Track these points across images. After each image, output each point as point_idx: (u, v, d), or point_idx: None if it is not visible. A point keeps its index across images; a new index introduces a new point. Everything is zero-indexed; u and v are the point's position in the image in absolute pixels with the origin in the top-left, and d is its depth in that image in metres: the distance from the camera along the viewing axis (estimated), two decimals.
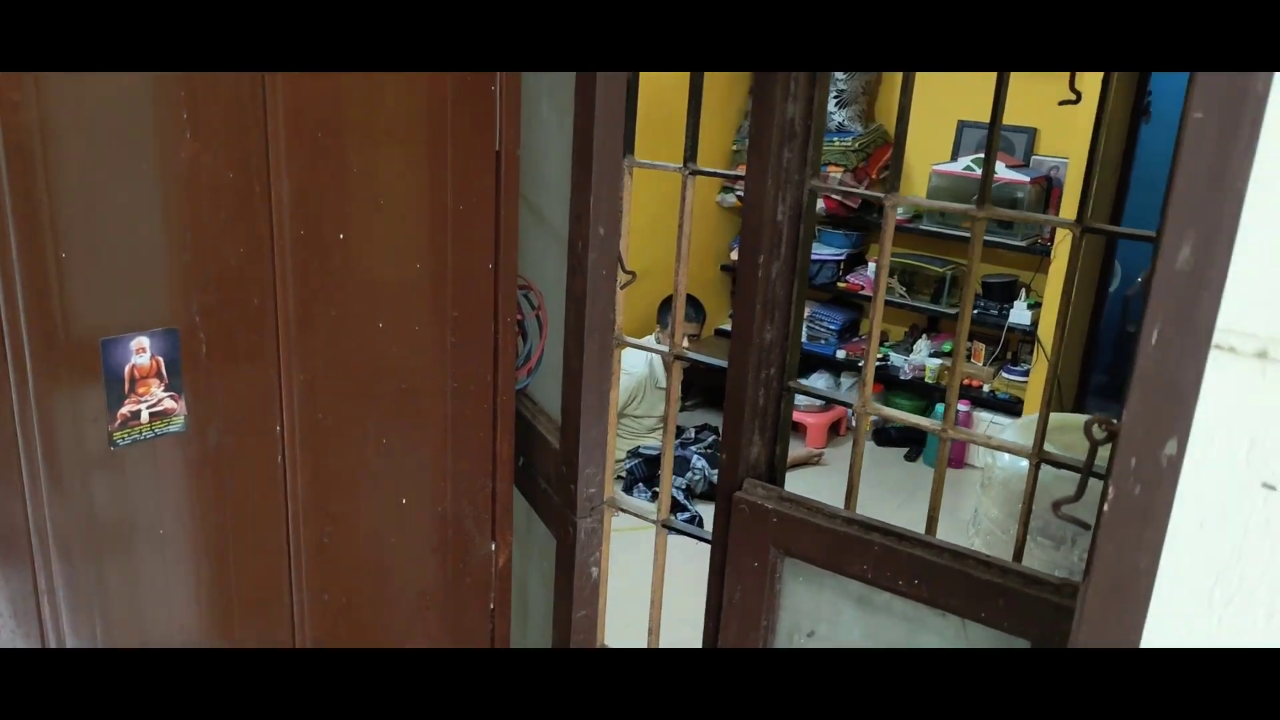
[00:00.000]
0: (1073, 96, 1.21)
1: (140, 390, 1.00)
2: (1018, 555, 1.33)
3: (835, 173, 4.71)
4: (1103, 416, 1.03)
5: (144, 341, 0.99)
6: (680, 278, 1.53)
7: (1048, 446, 1.36)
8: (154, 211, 0.98)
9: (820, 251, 4.80)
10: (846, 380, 4.91)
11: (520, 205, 1.34)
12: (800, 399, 4.67)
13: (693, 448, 4.29)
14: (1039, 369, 4.33)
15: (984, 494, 1.83)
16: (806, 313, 4.94)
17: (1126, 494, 0.68)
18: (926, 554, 1.32)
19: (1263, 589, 0.87)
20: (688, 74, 1.42)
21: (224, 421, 1.08)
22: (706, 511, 3.85)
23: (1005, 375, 4.49)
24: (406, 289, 1.24)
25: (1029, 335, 4.36)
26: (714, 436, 4.45)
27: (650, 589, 1.71)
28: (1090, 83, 1.24)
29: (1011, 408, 4.44)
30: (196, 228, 1.01)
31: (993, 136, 1.34)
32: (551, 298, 1.45)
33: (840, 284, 4.81)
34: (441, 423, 1.32)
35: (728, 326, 5.13)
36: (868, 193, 1.51)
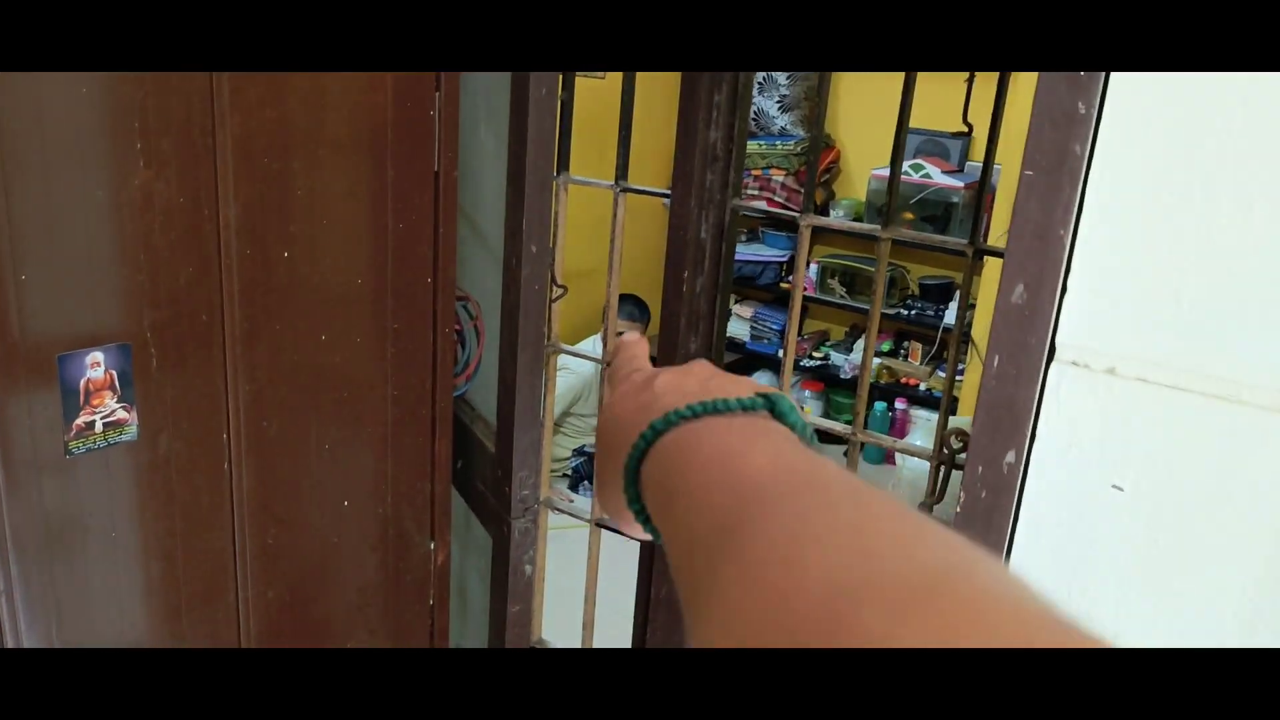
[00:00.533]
0: (964, 129, 1.32)
1: (95, 402, 1.07)
2: None
3: (778, 175, 4.84)
4: (959, 428, 1.14)
5: (98, 356, 1.06)
6: (612, 289, 1.62)
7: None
8: (109, 234, 1.05)
9: (763, 253, 4.92)
10: (791, 379, 5.03)
11: (460, 223, 1.42)
12: None
13: None
14: (974, 368, 4.49)
15: (894, 492, 1.94)
16: (749, 313, 5.06)
17: (974, 499, 0.78)
18: None
19: (1112, 581, 0.99)
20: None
21: (174, 430, 1.15)
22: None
23: (941, 374, 4.64)
24: (349, 303, 1.31)
25: (965, 336, 4.51)
26: None
27: (585, 585, 1.80)
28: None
29: (950, 406, 4.58)
30: (149, 249, 1.08)
31: (898, 142, 1.44)
32: (489, 309, 1.53)
33: (783, 284, 4.94)
34: (382, 429, 1.40)
35: None
36: (782, 211, 1.61)
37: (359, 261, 1.31)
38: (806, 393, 4.89)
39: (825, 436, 4.91)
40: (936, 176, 4.44)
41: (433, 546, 1.53)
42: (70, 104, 0.99)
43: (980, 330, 4.45)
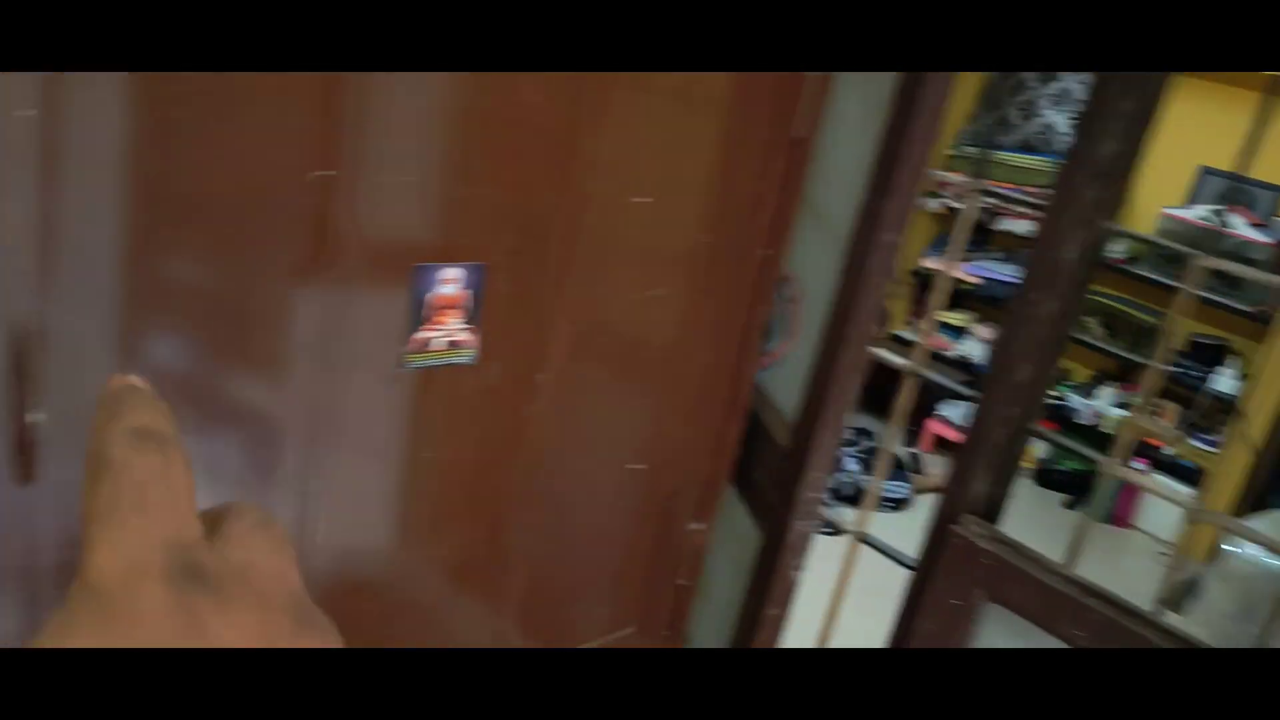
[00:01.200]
0: None
1: (438, 319, 1.03)
2: None
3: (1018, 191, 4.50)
4: None
5: (453, 273, 1.02)
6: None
7: None
8: (478, 152, 1.00)
9: (1015, 274, 4.61)
10: None
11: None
12: (955, 416, 4.52)
13: (847, 450, 4.22)
14: (1233, 443, 4.05)
15: (1220, 583, 1.72)
16: (990, 335, 4.77)
17: None
18: (1154, 635, 1.25)
19: None
20: None
21: (505, 360, 1.11)
22: (846, 517, 3.79)
23: (1193, 442, 4.23)
24: (681, 262, 1.23)
25: (1228, 404, 4.08)
26: (869, 442, 4.37)
27: (830, 596, 1.69)
28: None
29: (1192, 476, 4.18)
30: (515, 171, 1.03)
31: None
32: (813, 295, 1.43)
33: None
34: (684, 397, 1.32)
35: (903, 332, 5.00)
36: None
37: (701, 221, 1.22)
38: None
39: (1066, 479, 4.56)
40: (1240, 228, 4.00)
41: (697, 526, 1.45)
42: None
43: (1254, 405, 4.01)
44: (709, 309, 1.30)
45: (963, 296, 4.87)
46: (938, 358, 4.77)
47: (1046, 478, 4.47)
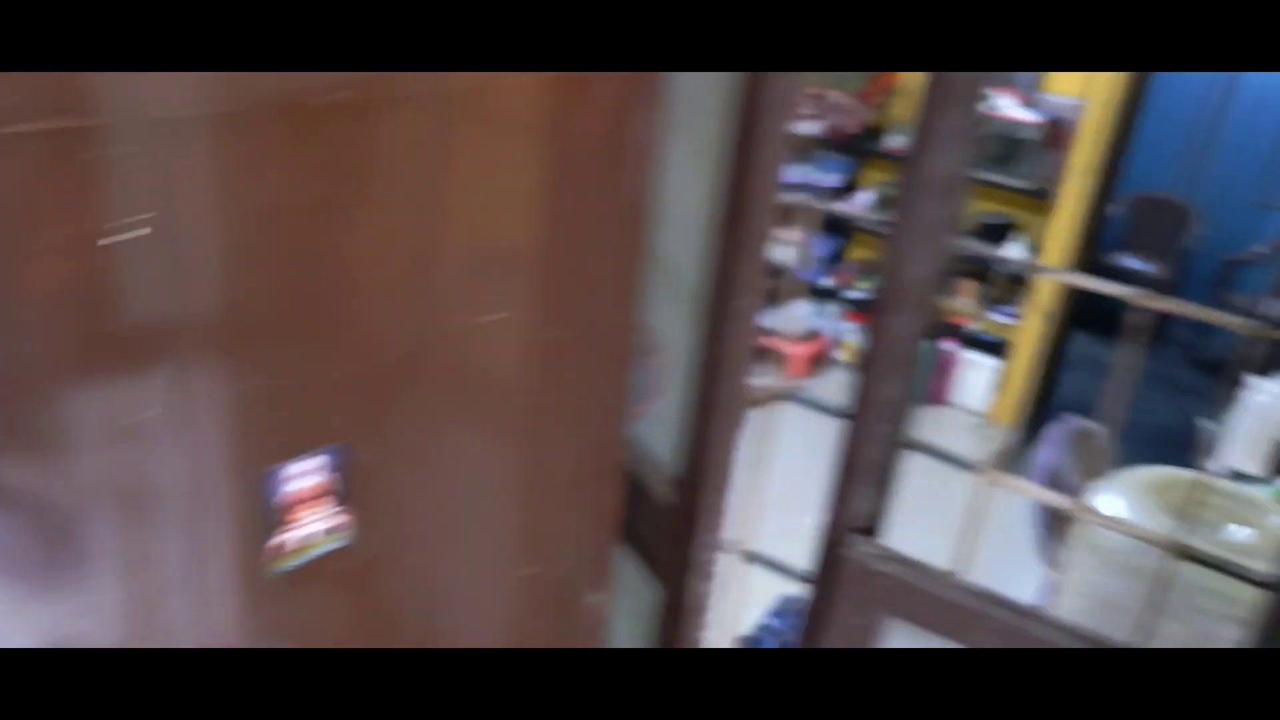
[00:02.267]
0: None
1: (303, 511, 0.90)
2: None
3: (835, 95, 4.56)
4: None
5: (316, 463, 0.88)
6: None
7: (1151, 507, 1.34)
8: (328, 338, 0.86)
9: (814, 176, 4.69)
10: (831, 308, 4.87)
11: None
12: (780, 325, 4.63)
13: None
14: (1028, 313, 4.34)
15: (1082, 553, 1.81)
16: (796, 238, 4.86)
17: None
18: (1058, 636, 1.29)
19: None
20: None
21: (390, 532, 0.98)
22: None
23: (992, 316, 4.50)
24: (524, 352, 1.13)
25: (1021, 278, 4.35)
26: None
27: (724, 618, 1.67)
28: None
29: (998, 348, 4.47)
30: (350, 347, 0.89)
31: None
32: (669, 347, 1.35)
33: (834, 209, 4.72)
34: (560, 475, 1.24)
35: None
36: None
37: (535, 310, 1.12)
38: (850, 325, 4.74)
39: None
40: (1008, 109, 4.18)
41: (595, 598, 1.39)
42: None
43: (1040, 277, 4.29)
44: (570, 386, 1.20)
45: None
46: None
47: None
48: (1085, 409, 4.44)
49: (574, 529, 1.31)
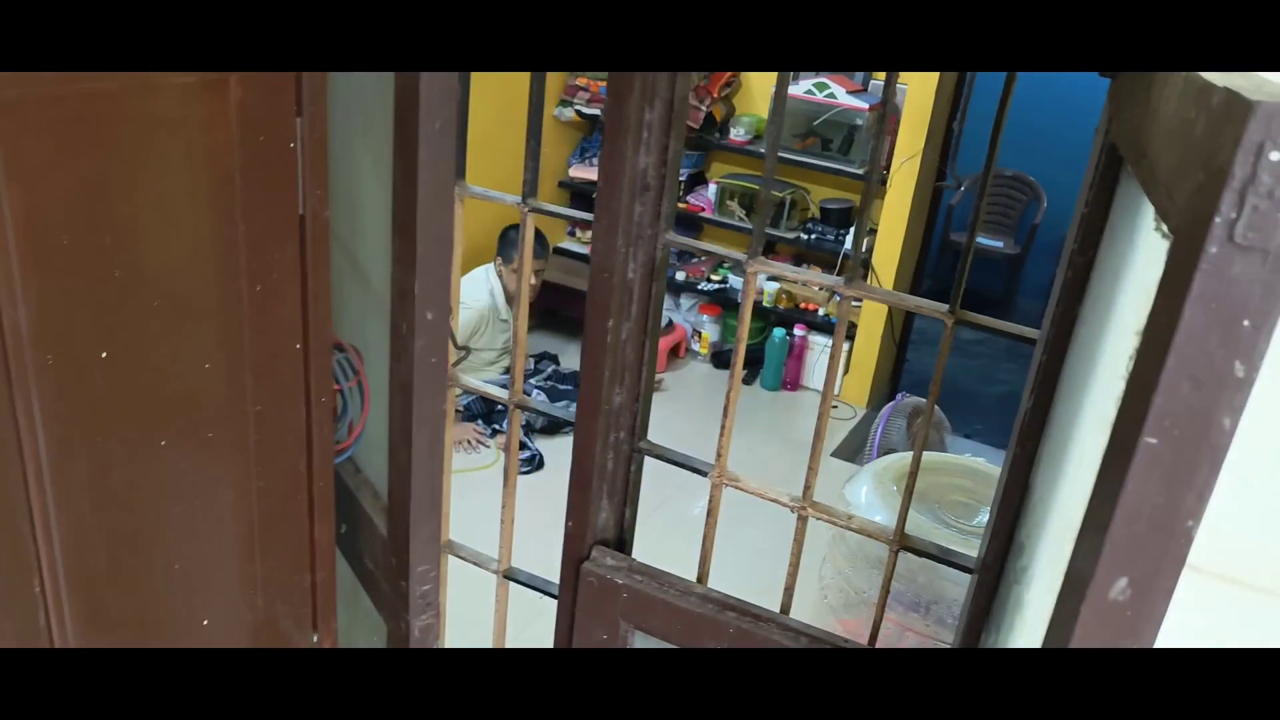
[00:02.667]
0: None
1: None
2: (874, 635, 1.30)
3: None
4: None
5: None
6: (520, 320, 1.38)
7: (894, 491, 1.31)
8: None
9: None
10: (686, 301, 4.86)
11: (338, 258, 1.14)
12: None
13: (531, 380, 4.16)
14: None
15: (835, 546, 1.80)
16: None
17: None
18: (784, 638, 1.26)
19: None
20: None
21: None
22: (547, 447, 3.76)
23: (840, 300, 4.53)
24: (194, 394, 1.04)
25: (865, 263, 4.40)
26: (554, 366, 4.33)
27: (492, 639, 1.61)
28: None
29: (847, 332, 4.51)
30: None
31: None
32: (374, 358, 1.27)
33: (680, 204, 4.69)
34: (248, 529, 1.15)
35: (568, 245, 4.95)
36: (724, 251, 1.36)
37: (205, 342, 1.03)
38: (705, 317, 4.73)
39: (726, 361, 4.82)
40: (841, 97, 4.22)
41: (316, 639, 1.30)
42: None
43: (880, 257, 4.35)
44: (253, 427, 1.11)
45: None
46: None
47: (721, 359, 4.66)
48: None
49: (281, 567, 1.22)
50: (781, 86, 1.20)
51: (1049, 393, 0.99)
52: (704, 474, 1.35)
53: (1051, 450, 0.94)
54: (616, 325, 1.26)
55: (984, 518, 1.80)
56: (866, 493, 1.76)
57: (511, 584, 1.53)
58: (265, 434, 1.13)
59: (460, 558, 1.52)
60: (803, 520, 1.31)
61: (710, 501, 1.36)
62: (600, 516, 1.38)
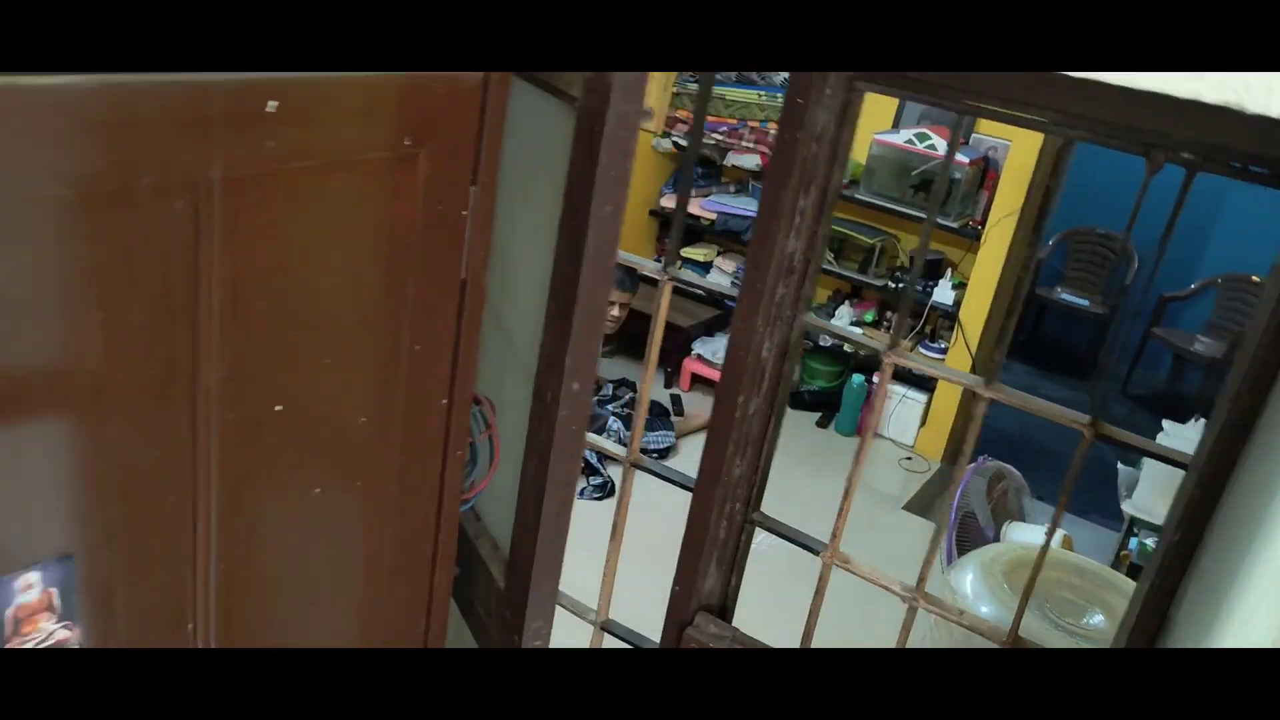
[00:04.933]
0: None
1: (26, 629, 0.83)
2: None
3: (773, 129, 4.54)
4: None
5: (31, 578, 0.82)
6: (645, 384, 1.40)
7: (1003, 585, 1.30)
8: (55, 431, 0.80)
9: (750, 207, 4.67)
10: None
11: (484, 317, 1.18)
12: (710, 353, 4.60)
13: (609, 406, 4.19)
14: (957, 349, 4.35)
15: (938, 629, 1.79)
16: (732, 267, 4.84)
17: None
18: None
19: None
20: None
21: (126, 640, 0.92)
22: (619, 475, 3.78)
23: (922, 350, 4.50)
24: (350, 446, 1.07)
25: (950, 315, 4.36)
26: (631, 394, 4.36)
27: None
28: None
29: (926, 382, 4.47)
30: (99, 441, 0.83)
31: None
32: (506, 412, 1.30)
33: None
34: (379, 575, 1.18)
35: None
36: (866, 340, 1.38)
37: (364, 398, 1.06)
38: None
39: (815, 399, 4.78)
40: (941, 149, 4.18)
41: None
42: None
43: (967, 312, 4.30)
44: (396, 478, 1.15)
45: (703, 232, 4.90)
46: (685, 294, 4.80)
47: (798, 400, 4.65)
48: (1013, 441, 4.45)
49: (400, 614, 1.25)
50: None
51: (1199, 527, 0.98)
52: (816, 553, 1.35)
53: (1204, 588, 0.93)
54: (745, 401, 1.28)
55: (1096, 619, 1.78)
56: (972, 582, 1.74)
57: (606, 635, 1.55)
58: (407, 484, 1.16)
59: (561, 606, 1.54)
60: (912, 611, 1.31)
61: (820, 581, 1.36)
62: (707, 583, 1.39)
